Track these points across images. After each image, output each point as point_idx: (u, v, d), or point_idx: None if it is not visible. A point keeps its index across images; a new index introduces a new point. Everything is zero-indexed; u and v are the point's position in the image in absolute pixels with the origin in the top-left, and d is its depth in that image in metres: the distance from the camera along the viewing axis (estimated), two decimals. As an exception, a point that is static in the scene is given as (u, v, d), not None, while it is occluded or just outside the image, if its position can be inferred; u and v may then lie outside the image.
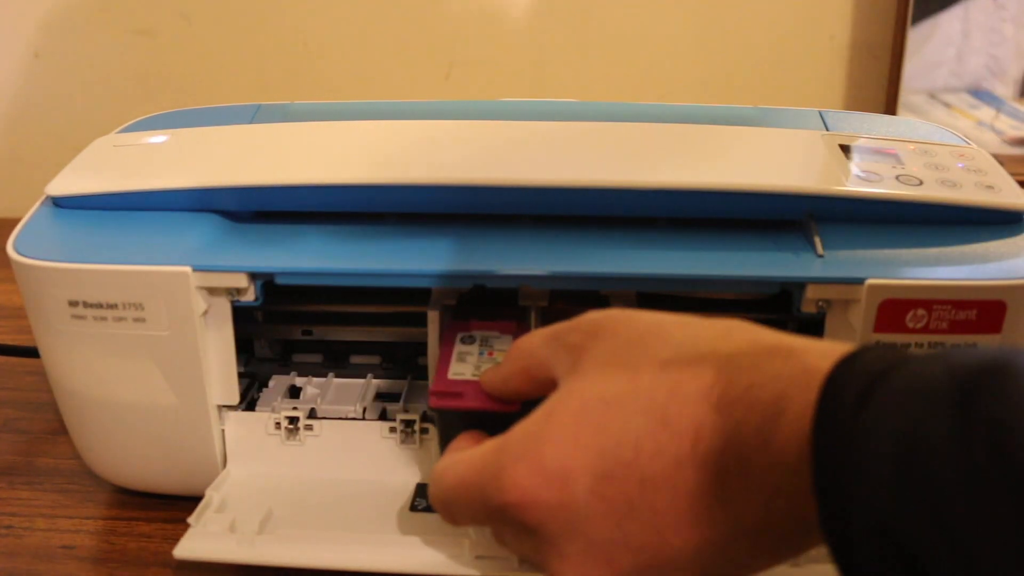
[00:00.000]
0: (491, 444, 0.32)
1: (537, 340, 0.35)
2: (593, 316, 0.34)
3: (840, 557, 0.26)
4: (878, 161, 0.45)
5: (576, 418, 0.31)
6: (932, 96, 0.90)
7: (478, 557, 0.38)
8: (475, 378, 0.39)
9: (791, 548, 0.30)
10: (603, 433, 0.30)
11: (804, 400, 0.27)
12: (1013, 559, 0.22)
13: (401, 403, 0.46)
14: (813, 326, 0.41)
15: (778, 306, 0.42)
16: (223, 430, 0.44)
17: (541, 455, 0.30)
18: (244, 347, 0.47)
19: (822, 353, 0.28)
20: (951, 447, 0.23)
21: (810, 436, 0.26)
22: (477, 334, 0.42)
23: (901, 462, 0.24)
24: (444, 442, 0.39)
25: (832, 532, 0.25)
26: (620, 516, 0.30)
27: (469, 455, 0.33)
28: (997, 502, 0.22)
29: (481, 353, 0.41)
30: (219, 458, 0.44)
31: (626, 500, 0.29)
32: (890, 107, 0.83)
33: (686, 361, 0.30)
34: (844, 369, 0.27)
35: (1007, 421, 0.22)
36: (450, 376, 0.39)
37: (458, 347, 0.41)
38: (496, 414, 0.37)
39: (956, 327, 0.39)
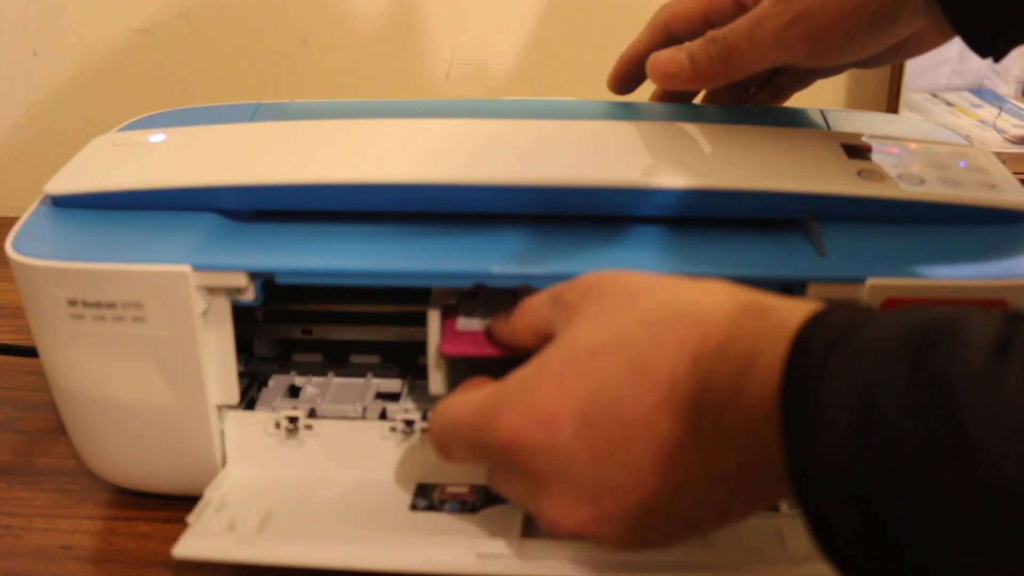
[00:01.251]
0: (489, 388, 0.35)
1: (542, 298, 0.38)
2: (589, 276, 0.36)
3: (804, 503, 0.27)
4: (880, 160, 0.45)
5: (563, 367, 0.33)
6: (934, 95, 0.90)
7: (478, 556, 0.38)
8: (482, 329, 0.41)
9: (764, 497, 0.32)
10: (587, 380, 0.32)
11: (775, 355, 0.29)
12: (958, 506, 0.24)
13: (401, 403, 0.45)
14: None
15: (779, 305, 0.42)
16: (222, 430, 0.44)
17: (531, 400, 0.33)
18: (244, 347, 0.47)
19: (794, 310, 0.30)
20: (903, 401, 0.25)
21: (778, 388, 0.28)
22: (481, 293, 0.42)
23: (859, 414, 0.26)
24: (452, 388, 0.41)
25: (796, 479, 0.27)
26: (603, 458, 0.32)
27: (469, 397, 0.36)
28: (943, 454, 0.24)
29: (486, 308, 0.42)
30: (218, 458, 0.44)
31: (608, 443, 0.32)
32: (892, 106, 0.83)
33: (667, 316, 0.32)
34: (812, 326, 0.29)
35: (952, 377, 0.24)
36: (459, 328, 0.41)
37: (464, 304, 0.42)
38: (503, 361, 0.39)
39: (958, 327, 0.39)
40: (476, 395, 0.36)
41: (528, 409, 0.33)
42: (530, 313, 0.38)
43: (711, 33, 0.43)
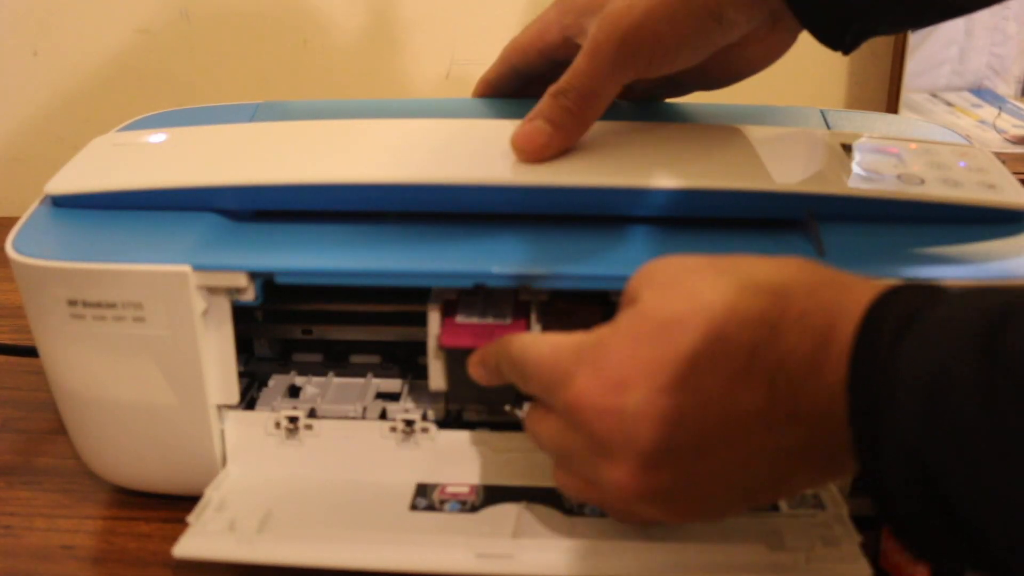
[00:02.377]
0: (573, 341, 0.35)
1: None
2: (647, 265, 0.35)
3: (870, 479, 0.28)
4: (880, 160, 0.45)
5: (637, 333, 0.33)
6: (934, 95, 0.90)
7: (478, 555, 0.38)
8: (481, 323, 0.42)
9: (828, 471, 0.32)
10: (662, 348, 0.32)
11: (851, 330, 0.29)
12: None
13: (401, 402, 0.46)
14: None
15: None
16: (223, 430, 0.44)
17: (604, 363, 0.33)
18: (244, 346, 0.47)
19: (870, 286, 0.30)
20: (975, 383, 0.25)
21: (848, 364, 0.28)
22: (480, 293, 0.42)
23: (929, 394, 0.26)
24: (451, 382, 0.42)
25: (864, 458, 0.28)
26: (672, 426, 0.31)
27: (556, 341, 0.35)
28: (1016, 441, 0.24)
29: (485, 307, 0.42)
30: (219, 458, 0.44)
31: (678, 411, 0.31)
32: (892, 106, 0.83)
33: (746, 286, 0.32)
34: (884, 303, 0.29)
35: None
36: (458, 322, 0.42)
37: (464, 302, 0.42)
38: None
39: (958, 326, 0.39)
40: (562, 343, 0.35)
41: (599, 371, 0.33)
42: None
43: (553, 89, 0.43)
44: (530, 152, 0.43)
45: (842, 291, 0.30)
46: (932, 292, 0.29)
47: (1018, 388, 0.24)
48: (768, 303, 0.31)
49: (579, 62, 0.42)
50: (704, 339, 0.31)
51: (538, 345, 0.36)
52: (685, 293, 0.33)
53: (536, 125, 0.43)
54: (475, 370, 0.40)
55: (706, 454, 0.32)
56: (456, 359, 0.42)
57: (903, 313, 0.28)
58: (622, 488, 0.33)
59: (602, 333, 0.34)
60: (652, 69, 0.42)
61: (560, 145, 0.43)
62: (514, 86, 0.52)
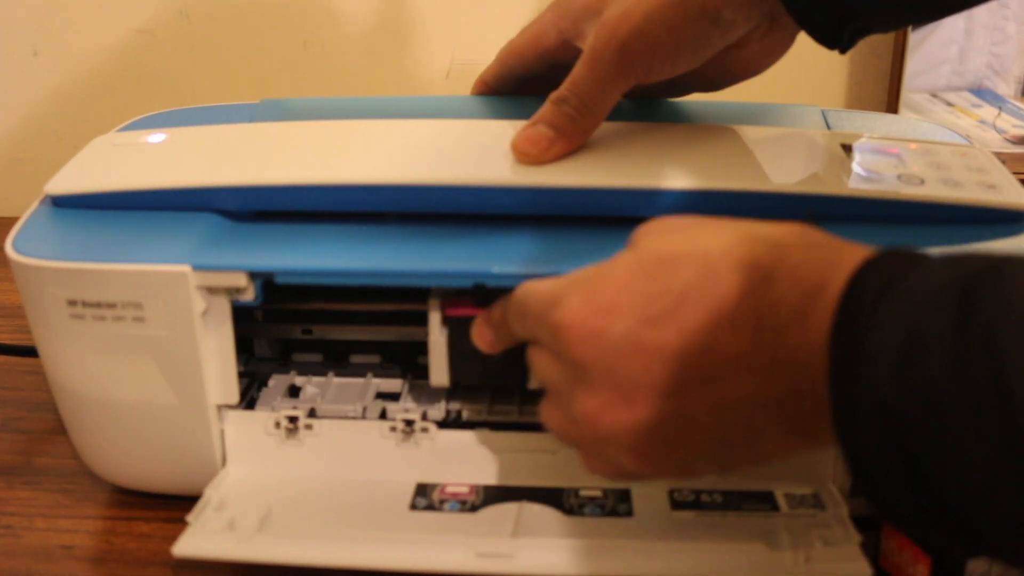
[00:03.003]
0: (567, 275, 0.36)
1: None
2: (650, 220, 0.36)
3: (843, 439, 0.28)
4: (880, 160, 0.45)
5: (632, 266, 0.33)
6: (934, 95, 0.90)
7: (478, 555, 0.38)
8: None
9: (802, 434, 0.32)
10: (654, 281, 0.32)
11: (838, 289, 0.29)
12: (995, 460, 0.24)
13: (401, 402, 0.46)
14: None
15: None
16: (222, 429, 0.44)
17: (595, 290, 0.33)
18: (243, 346, 0.47)
19: (863, 251, 0.31)
20: (947, 348, 0.25)
21: (831, 320, 0.29)
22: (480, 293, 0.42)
23: (903, 357, 0.26)
24: (453, 357, 0.43)
25: (837, 414, 0.28)
26: (651, 360, 0.32)
27: (551, 280, 0.36)
28: (985, 409, 0.24)
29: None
30: (218, 457, 0.44)
31: (661, 345, 0.32)
32: (892, 106, 0.83)
33: (744, 235, 0.33)
34: (871, 265, 0.29)
35: (997, 330, 0.24)
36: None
37: (463, 299, 0.42)
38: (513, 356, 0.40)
39: (958, 326, 0.39)
40: (557, 280, 0.36)
41: (590, 296, 0.33)
42: None
43: (555, 95, 0.43)
44: (532, 156, 0.43)
45: (837, 252, 0.31)
46: (916, 258, 0.29)
47: (987, 349, 0.24)
48: (764, 252, 0.32)
49: (579, 70, 0.43)
50: (696, 277, 0.32)
51: (539, 282, 0.37)
52: (684, 236, 0.34)
53: (538, 130, 0.43)
54: (480, 332, 0.41)
55: (682, 394, 0.32)
56: (459, 335, 0.42)
57: (886, 275, 0.29)
58: (595, 420, 0.33)
59: (599, 266, 0.35)
60: (652, 74, 0.42)
61: (562, 150, 0.43)
62: (511, 87, 0.52)
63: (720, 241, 0.32)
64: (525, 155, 0.43)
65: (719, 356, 0.31)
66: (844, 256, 0.31)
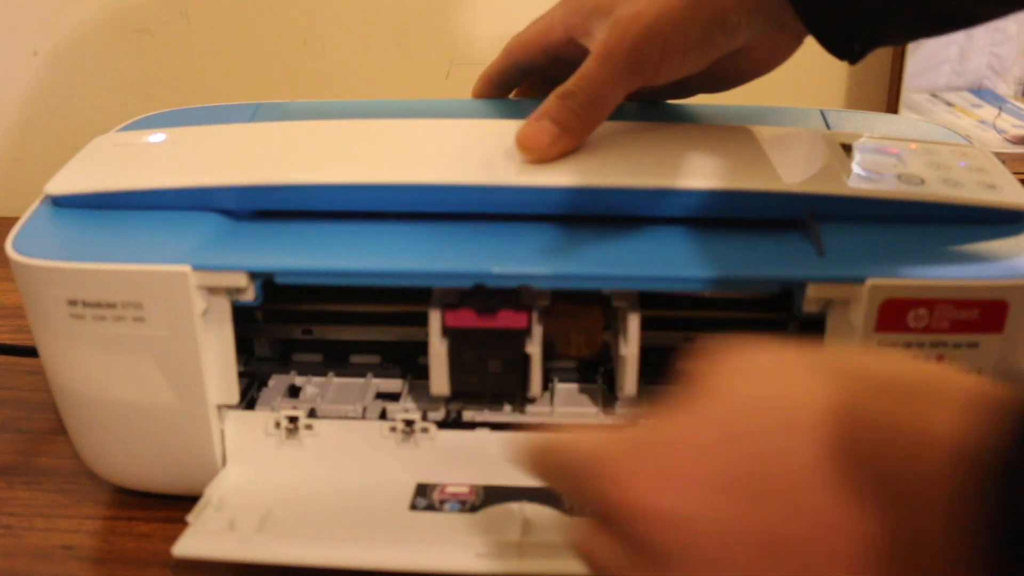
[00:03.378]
0: (628, 432, 0.30)
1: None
2: (720, 353, 0.31)
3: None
4: (880, 160, 0.45)
5: (701, 425, 0.28)
6: (934, 95, 0.90)
7: (478, 555, 0.38)
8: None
9: None
10: (729, 441, 0.27)
11: (971, 421, 0.24)
12: None
13: (401, 402, 0.46)
14: (814, 326, 0.41)
15: (779, 306, 0.42)
16: (222, 429, 0.44)
17: (661, 456, 0.28)
18: (244, 346, 0.47)
19: (977, 382, 0.25)
20: None
21: (982, 461, 0.23)
22: (480, 293, 0.42)
23: None
24: (453, 367, 0.42)
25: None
26: (738, 539, 0.27)
27: (607, 434, 0.31)
28: None
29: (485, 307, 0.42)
30: (218, 458, 0.44)
31: (749, 522, 0.26)
32: (892, 106, 0.83)
33: (823, 372, 0.28)
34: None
35: None
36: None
37: (463, 300, 0.42)
38: (505, 332, 0.40)
39: (958, 327, 0.39)
40: (613, 435, 0.31)
41: (654, 466, 0.28)
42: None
43: (561, 90, 0.43)
44: (535, 151, 0.42)
45: (936, 393, 0.25)
46: None
47: None
48: (850, 391, 0.26)
49: (589, 66, 0.43)
50: (776, 429, 0.27)
51: (584, 439, 0.31)
52: (756, 380, 0.28)
53: (543, 125, 0.42)
54: (522, 463, 0.34)
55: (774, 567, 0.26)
56: (460, 346, 0.42)
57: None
58: None
59: (661, 421, 0.29)
60: (660, 75, 0.42)
61: (565, 147, 0.43)
62: (515, 81, 0.52)
63: (797, 384, 0.28)
64: (528, 151, 0.43)
65: (828, 537, 0.25)
66: (962, 385, 0.25)
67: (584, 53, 0.44)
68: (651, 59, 0.42)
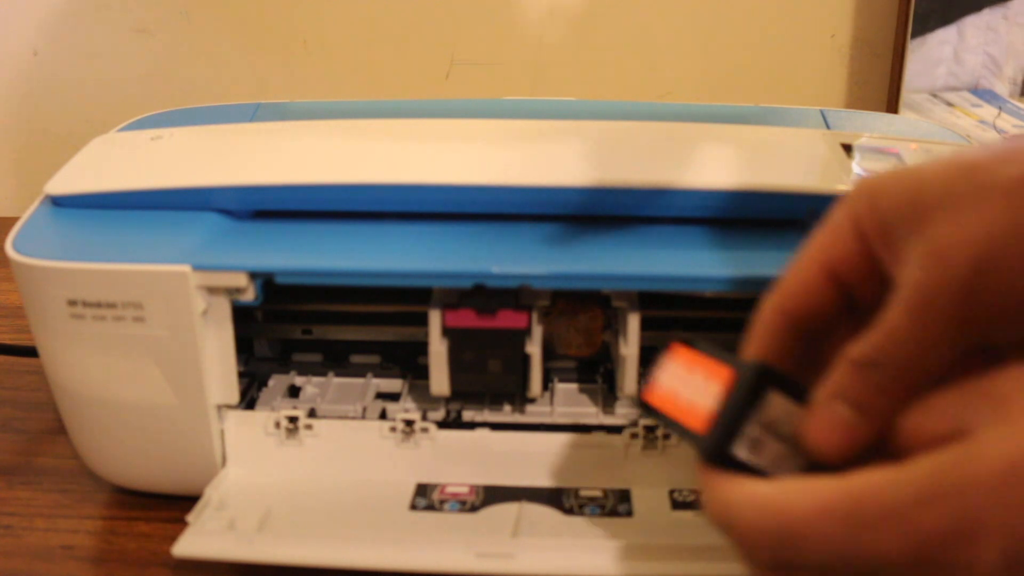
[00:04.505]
0: (879, 473, 0.26)
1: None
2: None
3: None
4: (880, 160, 0.45)
5: (1007, 470, 0.24)
6: (934, 95, 0.90)
7: (478, 555, 0.38)
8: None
9: None
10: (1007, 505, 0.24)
11: None
12: None
13: (401, 402, 0.46)
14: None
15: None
16: (222, 429, 0.44)
17: (956, 503, 0.24)
18: (243, 346, 0.47)
19: None
20: None
21: None
22: (480, 293, 0.42)
23: None
24: (453, 367, 0.42)
25: None
26: None
27: (830, 483, 0.26)
28: None
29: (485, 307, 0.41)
30: (218, 458, 0.44)
31: None
32: (892, 106, 0.83)
33: None
34: None
35: None
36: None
37: (463, 301, 0.42)
38: (505, 332, 0.40)
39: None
40: (849, 483, 0.26)
41: (952, 515, 0.24)
42: (927, 404, 0.27)
43: (859, 355, 0.28)
44: (831, 452, 0.29)
45: None
46: None
47: None
48: None
49: (897, 316, 0.28)
50: None
51: (806, 494, 0.26)
52: None
53: (836, 413, 0.29)
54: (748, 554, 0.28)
55: None
56: (460, 346, 0.42)
57: None
58: None
59: (950, 460, 0.25)
60: (1007, 332, 0.27)
61: (868, 436, 0.29)
62: (802, 350, 0.32)
63: None
64: (821, 451, 0.29)
65: None
66: None
67: (884, 287, 0.29)
68: (992, 307, 0.27)
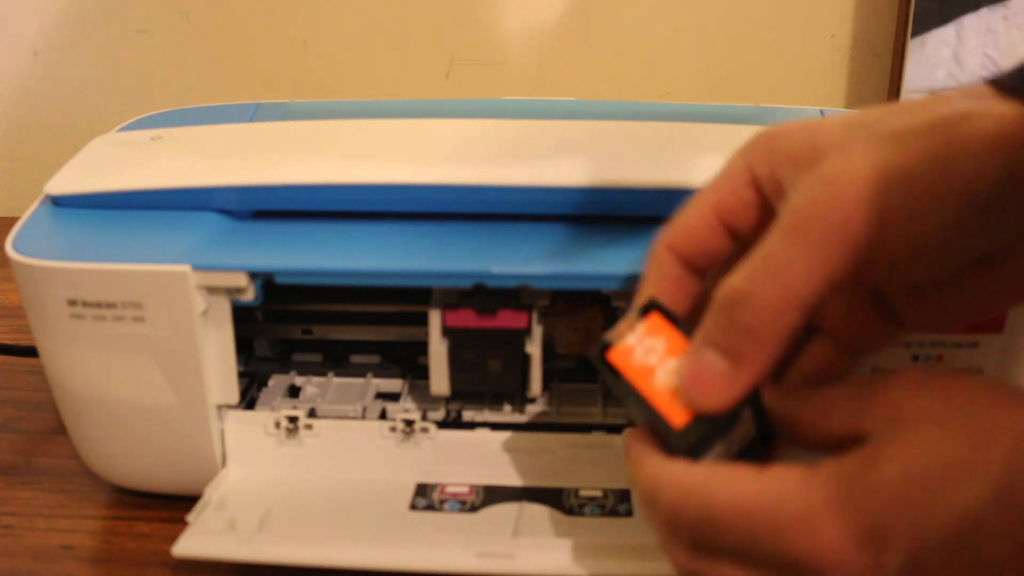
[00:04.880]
0: (792, 476, 0.27)
1: (838, 394, 0.29)
2: (914, 375, 0.27)
3: None
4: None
5: (905, 479, 0.26)
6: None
7: (478, 555, 0.38)
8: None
9: None
10: (938, 502, 0.25)
11: None
12: None
13: (401, 402, 0.46)
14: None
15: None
16: (222, 429, 0.44)
17: (860, 510, 0.26)
18: (243, 346, 0.47)
19: None
20: None
21: None
22: (480, 293, 0.42)
23: None
24: (453, 366, 0.42)
25: None
26: None
27: (751, 480, 0.27)
28: None
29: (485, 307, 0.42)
30: (218, 457, 0.44)
31: None
32: (891, 106, 0.83)
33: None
34: None
35: None
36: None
37: (463, 301, 0.42)
38: (505, 332, 0.40)
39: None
40: (767, 481, 0.27)
41: (854, 521, 0.26)
42: (823, 407, 0.29)
43: (725, 295, 0.28)
44: (703, 401, 0.29)
45: None
46: None
47: None
48: None
49: (771, 242, 0.28)
50: (993, 496, 0.25)
51: (729, 487, 0.27)
52: (969, 433, 0.25)
53: (708, 362, 0.29)
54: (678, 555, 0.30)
55: None
56: (460, 346, 0.42)
57: None
58: None
59: (849, 470, 0.26)
60: (881, 267, 0.28)
61: (745, 386, 0.29)
62: (698, 287, 0.33)
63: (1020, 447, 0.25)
64: (694, 400, 0.29)
65: None
66: None
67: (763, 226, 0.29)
68: (869, 239, 0.27)
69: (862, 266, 0.27)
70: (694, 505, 0.28)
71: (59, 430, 0.48)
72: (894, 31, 0.82)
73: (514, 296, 0.42)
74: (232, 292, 0.41)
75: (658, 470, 0.29)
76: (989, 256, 0.28)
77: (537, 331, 0.42)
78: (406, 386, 0.47)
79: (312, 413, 0.45)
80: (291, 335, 0.48)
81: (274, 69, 0.84)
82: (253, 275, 0.40)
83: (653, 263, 0.33)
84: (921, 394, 0.27)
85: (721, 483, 0.28)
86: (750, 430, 0.30)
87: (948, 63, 0.89)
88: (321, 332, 0.48)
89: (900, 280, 0.29)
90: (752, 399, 0.30)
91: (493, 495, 0.42)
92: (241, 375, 0.44)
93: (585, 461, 0.43)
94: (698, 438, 0.29)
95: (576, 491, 0.42)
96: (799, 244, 0.27)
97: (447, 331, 0.42)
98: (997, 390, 0.27)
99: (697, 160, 0.44)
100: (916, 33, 0.82)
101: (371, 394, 0.47)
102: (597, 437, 0.43)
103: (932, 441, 0.26)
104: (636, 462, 0.30)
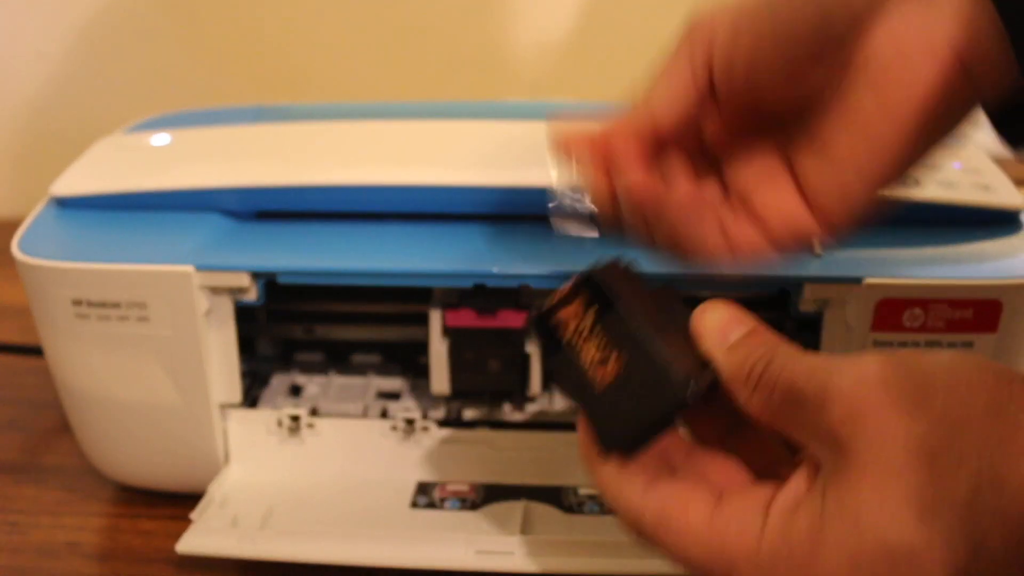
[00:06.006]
0: (746, 528, 0.27)
1: (802, 394, 0.28)
2: (872, 397, 0.26)
3: None
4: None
5: (851, 562, 0.25)
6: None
7: (478, 552, 0.38)
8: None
9: None
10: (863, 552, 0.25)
11: None
12: None
13: (402, 401, 0.46)
14: (811, 325, 0.41)
15: (776, 306, 0.42)
16: (225, 428, 0.44)
17: (796, 553, 0.26)
18: (246, 346, 0.47)
19: None
20: None
21: None
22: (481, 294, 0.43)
23: None
24: (453, 366, 0.42)
25: None
26: None
27: (707, 522, 0.28)
28: None
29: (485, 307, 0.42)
30: (221, 456, 0.44)
31: None
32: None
33: (993, 512, 0.24)
34: None
35: None
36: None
37: (464, 301, 0.42)
38: (505, 332, 0.40)
39: (953, 326, 0.39)
40: (720, 528, 0.28)
41: (786, 563, 0.26)
42: (781, 406, 0.28)
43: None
44: (604, 208, 0.33)
45: None
46: None
47: None
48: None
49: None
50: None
51: (686, 531, 0.28)
52: (919, 511, 0.25)
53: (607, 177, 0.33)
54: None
55: None
56: (460, 345, 0.43)
57: None
58: None
59: (796, 544, 0.26)
60: (740, 85, 0.32)
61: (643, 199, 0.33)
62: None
63: (969, 536, 0.24)
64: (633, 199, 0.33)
65: None
66: None
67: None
68: (727, 53, 0.32)
69: (722, 76, 0.32)
70: (645, 525, 0.30)
71: (64, 429, 0.49)
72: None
73: (514, 296, 0.43)
74: (235, 292, 0.41)
75: (608, 483, 0.31)
76: (811, 97, 0.31)
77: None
78: (407, 385, 0.47)
79: (314, 412, 0.45)
80: (293, 335, 0.49)
81: (274, 69, 0.84)
82: (256, 275, 0.41)
83: (624, 152, 0.35)
84: (875, 411, 0.26)
85: (673, 511, 0.29)
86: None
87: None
88: (323, 332, 0.48)
89: (752, 100, 0.32)
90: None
91: (493, 493, 0.43)
92: (244, 374, 0.44)
93: (584, 459, 0.43)
94: (638, 433, 0.30)
95: (575, 489, 0.43)
96: (673, 53, 0.34)
97: (447, 331, 0.42)
98: (971, 392, 0.25)
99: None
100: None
101: (372, 393, 0.47)
102: (596, 436, 0.44)
103: (876, 518, 0.25)
104: (587, 464, 0.32)
